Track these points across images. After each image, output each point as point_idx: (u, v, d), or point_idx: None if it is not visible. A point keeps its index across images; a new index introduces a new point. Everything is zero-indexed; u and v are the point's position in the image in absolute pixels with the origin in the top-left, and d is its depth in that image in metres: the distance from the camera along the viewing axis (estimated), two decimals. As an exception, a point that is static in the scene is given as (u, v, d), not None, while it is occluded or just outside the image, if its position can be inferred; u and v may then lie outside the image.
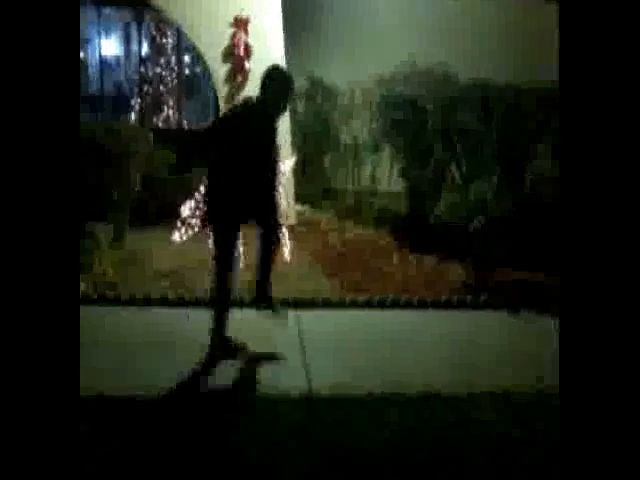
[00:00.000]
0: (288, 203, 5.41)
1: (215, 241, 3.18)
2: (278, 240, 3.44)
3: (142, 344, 3.29)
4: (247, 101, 3.22)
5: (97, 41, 8.51)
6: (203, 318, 3.23)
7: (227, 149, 3.03)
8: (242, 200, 3.07)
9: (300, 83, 6.52)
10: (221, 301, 3.15)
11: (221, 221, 3.13)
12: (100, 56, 8.56)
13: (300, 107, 6.62)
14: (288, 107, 3.15)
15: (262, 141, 3.04)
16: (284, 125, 5.77)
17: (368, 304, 3.99)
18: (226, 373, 3.02)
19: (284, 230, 4.94)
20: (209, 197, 3.16)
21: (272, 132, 3.12)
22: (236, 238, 3.23)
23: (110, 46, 9.06)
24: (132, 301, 3.84)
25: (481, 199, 4.39)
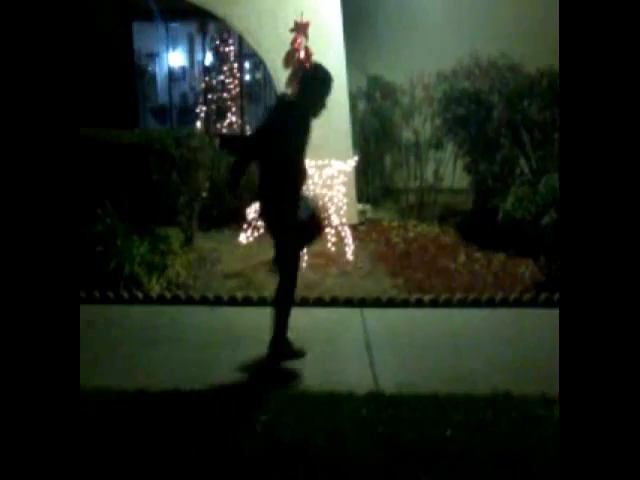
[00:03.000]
0: (350, 202, 5.42)
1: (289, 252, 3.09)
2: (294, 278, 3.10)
3: (216, 341, 3.42)
4: (282, 97, 3.17)
5: (165, 55, 8.93)
6: (268, 317, 3.30)
7: (269, 143, 2.98)
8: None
9: (360, 82, 6.52)
10: (288, 302, 3.14)
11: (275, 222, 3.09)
12: (168, 68, 8.98)
13: (361, 106, 6.61)
14: (325, 106, 3.02)
15: (293, 137, 2.96)
16: (344, 125, 5.80)
17: (434, 303, 3.92)
18: (291, 369, 3.07)
19: (346, 229, 4.97)
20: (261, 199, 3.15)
21: (305, 129, 3.02)
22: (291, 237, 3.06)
23: (177, 58, 9.47)
24: (203, 301, 3.99)
25: (553, 193, 4.17)
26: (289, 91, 3.02)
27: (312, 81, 3.05)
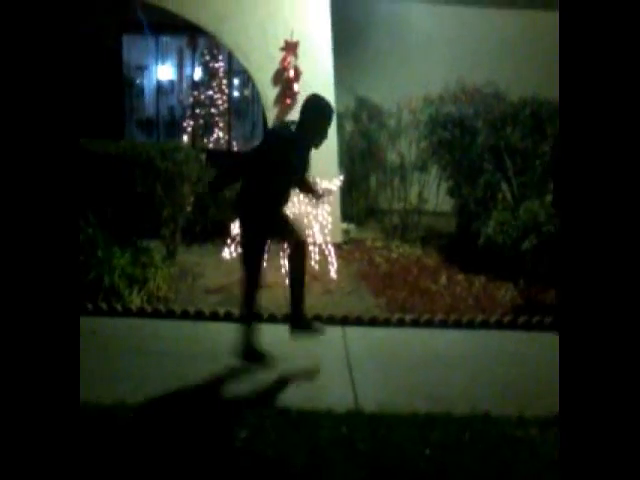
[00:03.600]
0: (334, 222, 5.45)
1: (244, 257, 3.23)
2: (304, 257, 3.28)
3: (192, 356, 3.38)
4: (286, 124, 3.29)
5: (154, 68, 8.94)
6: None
7: (261, 169, 3.06)
8: (268, 217, 3.15)
9: (348, 103, 6.61)
10: (252, 317, 3.21)
11: (251, 236, 3.19)
12: (157, 81, 8.99)
13: (348, 127, 6.69)
14: (326, 136, 3.08)
15: (294, 162, 3.07)
16: (331, 144, 5.86)
17: (415, 323, 3.94)
18: (271, 386, 3.04)
19: (330, 248, 4.98)
20: (241, 211, 3.25)
21: (305, 155, 3.13)
22: (263, 253, 3.23)
23: (166, 71, 9.50)
24: (184, 315, 3.94)
25: (533, 218, 4.27)
26: (286, 121, 3.15)
27: (314, 114, 3.05)
